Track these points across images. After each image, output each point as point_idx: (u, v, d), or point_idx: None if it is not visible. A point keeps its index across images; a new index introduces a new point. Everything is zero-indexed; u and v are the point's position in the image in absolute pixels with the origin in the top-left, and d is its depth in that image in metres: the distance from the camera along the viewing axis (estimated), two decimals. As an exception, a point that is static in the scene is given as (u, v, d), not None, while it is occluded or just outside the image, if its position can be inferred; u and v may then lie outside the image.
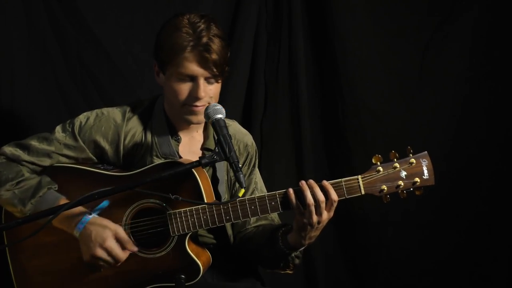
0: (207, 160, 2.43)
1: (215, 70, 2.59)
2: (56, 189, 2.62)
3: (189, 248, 2.57)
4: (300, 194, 2.47)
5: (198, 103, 2.61)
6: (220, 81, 2.66)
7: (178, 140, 2.74)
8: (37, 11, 3.43)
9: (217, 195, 2.71)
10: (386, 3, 3.74)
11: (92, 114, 2.73)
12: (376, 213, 3.75)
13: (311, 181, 2.47)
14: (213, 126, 2.51)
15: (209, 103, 2.60)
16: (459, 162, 3.72)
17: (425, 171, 2.49)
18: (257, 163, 2.91)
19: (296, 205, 2.48)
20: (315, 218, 2.47)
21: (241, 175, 2.40)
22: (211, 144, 2.75)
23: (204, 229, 2.65)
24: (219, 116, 2.51)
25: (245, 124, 3.10)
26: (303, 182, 2.48)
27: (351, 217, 3.75)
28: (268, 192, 2.57)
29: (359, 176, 2.49)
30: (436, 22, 3.72)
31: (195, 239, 2.68)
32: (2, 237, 2.70)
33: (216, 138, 2.48)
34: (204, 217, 2.54)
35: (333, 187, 2.48)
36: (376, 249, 3.80)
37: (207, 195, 2.56)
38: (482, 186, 3.73)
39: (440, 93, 3.74)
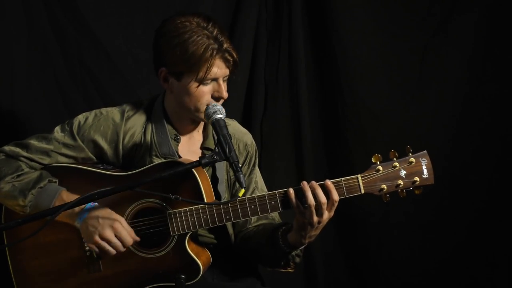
0: (207, 160, 2.43)
1: (233, 69, 2.62)
2: (57, 183, 2.63)
3: (189, 248, 2.57)
4: (301, 194, 2.47)
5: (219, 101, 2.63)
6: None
7: (177, 140, 2.74)
8: (37, 11, 3.43)
9: (217, 195, 2.71)
10: (386, 3, 3.74)
11: (91, 114, 2.74)
12: (376, 213, 3.75)
13: (313, 182, 2.47)
14: (213, 126, 2.51)
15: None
16: (459, 162, 3.72)
17: (425, 170, 2.49)
18: (257, 162, 2.91)
19: (297, 205, 2.48)
20: (315, 218, 2.47)
21: (241, 175, 2.40)
22: (211, 144, 2.75)
23: (204, 229, 2.65)
24: (219, 116, 2.51)
25: (245, 124, 3.10)
26: (304, 183, 2.48)
27: (351, 216, 3.75)
28: (268, 191, 2.57)
29: (359, 175, 2.49)
30: (436, 22, 3.72)
31: (195, 238, 2.68)
32: (2, 237, 2.70)
33: (215, 137, 2.48)
34: (204, 216, 2.54)
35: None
36: (376, 248, 3.80)
37: (207, 194, 2.56)
38: (482, 186, 3.73)
39: (440, 93, 3.74)
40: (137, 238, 2.54)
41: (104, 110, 2.75)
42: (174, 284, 2.52)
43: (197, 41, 2.55)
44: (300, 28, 3.73)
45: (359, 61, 3.76)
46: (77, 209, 2.51)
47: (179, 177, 2.52)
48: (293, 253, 2.62)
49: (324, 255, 3.81)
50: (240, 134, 2.86)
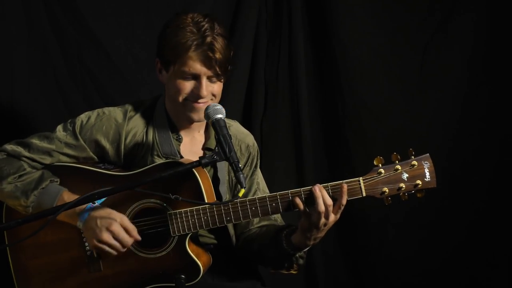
0: (207, 160, 2.43)
1: (218, 69, 2.60)
2: (58, 183, 2.62)
3: (190, 249, 2.57)
4: (308, 198, 2.46)
5: (200, 100, 2.62)
6: (222, 80, 2.66)
7: (179, 140, 2.74)
8: (37, 11, 3.43)
9: (218, 196, 2.71)
10: (386, 3, 3.74)
11: (93, 114, 2.73)
12: (376, 213, 3.75)
13: (321, 187, 2.46)
14: (213, 126, 2.51)
15: (211, 100, 2.62)
16: (459, 162, 3.72)
17: (427, 173, 2.48)
18: (259, 164, 2.91)
19: (304, 209, 2.47)
20: (322, 221, 2.47)
21: (241, 175, 2.40)
22: (213, 144, 2.74)
23: (205, 230, 2.65)
24: (219, 116, 2.51)
25: (245, 124, 3.10)
26: (315, 188, 2.46)
27: (351, 217, 3.73)
28: (270, 192, 2.56)
29: (360, 178, 2.48)
30: (436, 22, 3.72)
31: (195, 239, 2.68)
32: (2, 237, 2.69)
33: (217, 138, 2.48)
34: (205, 217, 2.54)
35: (334, 188, 2.47)
36: (376, 249, 3.80)
37: (208, 195, 2.55)
38: (482, 185, 3.73)
39: (440, 93, 3.74)
40: (138, 237, 2.53)
41: (106, 109, 2.75)
42: (174, 284, 2.52)
43: (182, 33, 2.58)
44: (300, 28, 3.73)
45: (359, 61, 3.76)
46: (77, 209, 2.51)
47: (180, 178, 2.52)
48: (297, 255, 2.62)
49: (324, 255, 3.80)
50: (242, 136, 2.86)
